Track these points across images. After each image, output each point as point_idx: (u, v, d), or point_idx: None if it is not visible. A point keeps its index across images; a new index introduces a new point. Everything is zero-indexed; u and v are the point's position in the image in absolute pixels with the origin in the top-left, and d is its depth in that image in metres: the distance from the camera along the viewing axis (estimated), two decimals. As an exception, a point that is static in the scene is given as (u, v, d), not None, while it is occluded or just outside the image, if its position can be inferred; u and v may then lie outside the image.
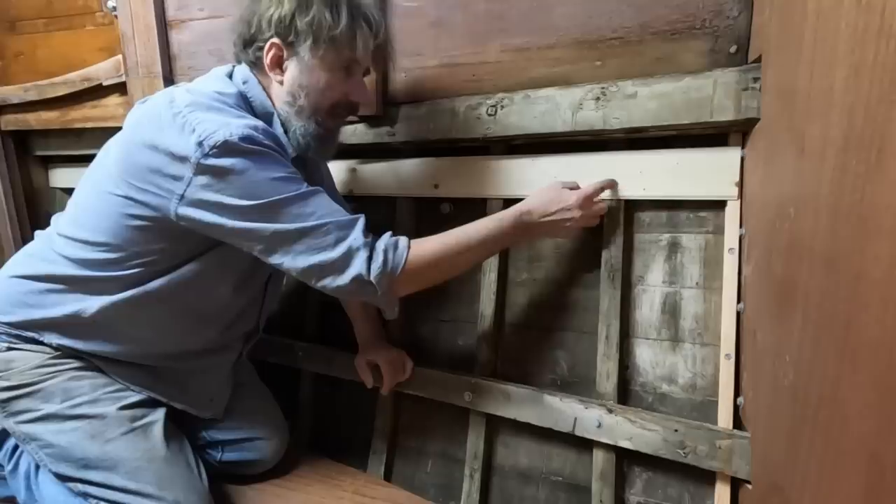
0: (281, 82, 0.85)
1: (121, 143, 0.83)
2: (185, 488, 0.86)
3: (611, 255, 0.94)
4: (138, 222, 0.81)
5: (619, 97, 0.88)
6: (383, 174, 1.14)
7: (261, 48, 0.84)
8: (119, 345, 0.88)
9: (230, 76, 0.88)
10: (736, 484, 0.83)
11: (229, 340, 1.01)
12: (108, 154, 0.86)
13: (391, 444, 1.15)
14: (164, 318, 0.89)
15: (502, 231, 0.85)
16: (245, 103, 0.85)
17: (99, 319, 0.85)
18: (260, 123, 0.80)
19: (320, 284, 0.80)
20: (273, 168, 0.76)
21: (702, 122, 0.83)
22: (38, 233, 0.95)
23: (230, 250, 0.82)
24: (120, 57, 1.34)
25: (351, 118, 1.00)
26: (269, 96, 0.87)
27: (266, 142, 0.77)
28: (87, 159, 1.69)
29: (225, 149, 0.73)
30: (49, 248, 0.88)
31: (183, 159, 0.74)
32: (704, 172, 0.86)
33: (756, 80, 0.78)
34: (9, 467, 0.93)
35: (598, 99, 0.90)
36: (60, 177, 1.71)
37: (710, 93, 0.82)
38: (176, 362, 0.95)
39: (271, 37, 0.82)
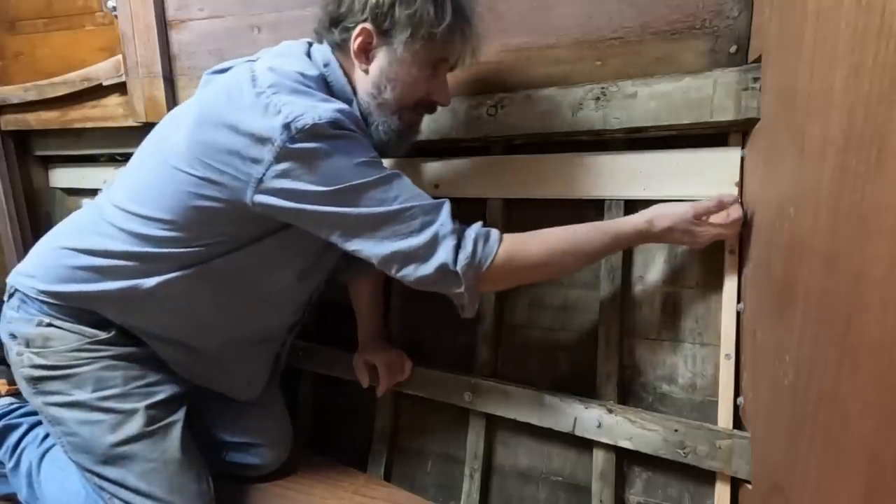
0: (366, 71, 0.80)
1: (195, 117, 0.78)
2: (194, 497, 0.86)
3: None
4: (209, 203, 0.77)
5: (619, 97, 0.88)
6: (383, 174, 1.14)
7: (349, 30, 0.78)
8: (171, 321, 0.87)
9: (308, 55, 0.82)
10: (736, 484, 0.83)
11: (278, 328, 1.00)
12: (178, 127, 0.80)
13: (391, 444, 1.15)
14: (222, 300, 0.87)
15: (618, 242, 0.79)
16: (325, 87, 0.80)
17: (157, 294, 0.83)
18: (345, 107, 0.75)
19: (401, 274, 0.75)
20: (358, 153, 0.73)
21: (702, 122, 0.83)
22: (86, 202, 0.93)
23: (298, 236, 0.79)
24: (120, 57, 1.34)
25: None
26: (349, 82, 0.82)
27: (351, 126, 0.74)
28: (87, 159, 1.69)
29: (312, 133, 0.69)
30: (103, 221, 0.84)
31: (265, 141, 0.70)
32: (704, 172, 0.86)
33: (756, 80, 0.78)
34: (10, 465, 0.93)
35: (598, 99, 0.90)
36: (60, 177, 1.71)
37: (710, 93, 0.82)
38: (224, 345, 0.94)
39: (364, 21, 0.77)
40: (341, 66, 0.82)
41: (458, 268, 0.73)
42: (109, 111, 1.42)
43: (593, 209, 0.95)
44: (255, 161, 0.71)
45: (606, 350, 0.93)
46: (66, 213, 1.53)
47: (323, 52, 0.82)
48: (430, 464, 1.13)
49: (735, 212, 0.79)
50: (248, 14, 1.21)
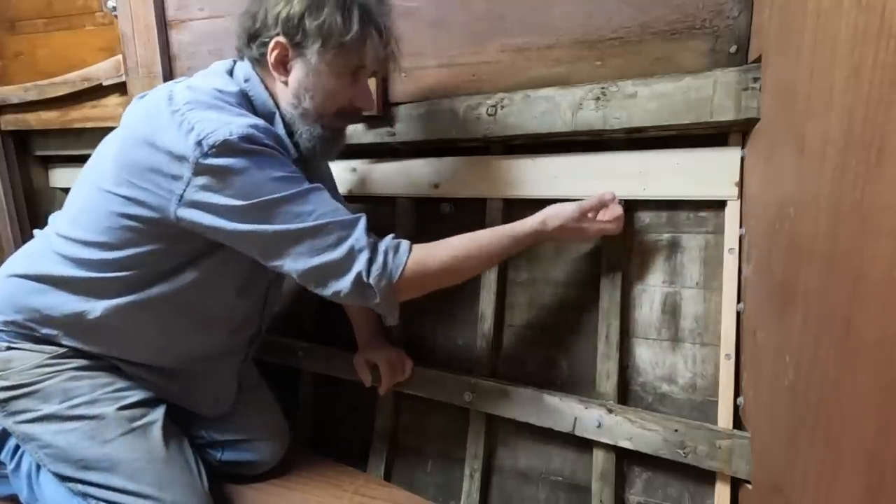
0: (285, 83, 0.83)
1: (119, 139, 0.81)
2: (185, 489, 0.86)
3: (611, 254, 0.94)
4: (135, 223, 0.79)
5: (619, 97, 0.88)
6: (383, 174, 1.14)
7: (265, 44, 0.81)
8: (125, 346, 0.88)
9: (231, 73, 0.86)
10: (736, 484, 0.83)
11: (234, 343, 1.01)
12: (106, 151, 0.84)
13: (391, 444, 1.15)
14: (169, 322, 0.88)
15: (517, 243, 0.84)
16: (246, 102, 0.83)
17: (104, 322, 0.84)
18: (261, 122, 0.78)
19: (320, 289, 0.78)
20: (273, 167, 0.75)
21: (702, 122, 0.83)
22: (37, 232, 0.94)
23: (231, 254, 0.81)
24: (120, 57, 1.34)
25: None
26: (271, 95, 0.85)
27: (266, 141, 0.76)
28: (86, 159, 1.68)
29: (224, 148, 0.72)
30: (48, 248, 0.87)
31: (181, 159, 0.72)
32: (704, 172, 0.86)
33: (756, 80, 0.78)
34: (11, 466, 0.93)
35: (598, 99, 0.90)
36: (60, 177, 1.71)
37: (710, 93, 0.82)
38: (183, 364, 0.94)
39: (277, 35, 0.80)
40: (262, 81, 0.85)
41: (371, 280, 0.76)
42: (109, 111, 1.42)
43: (593, 209, 0.95)
44: (175, 178, 0.74)
45: (606, 350, 0.93)
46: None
47: (244, 68, 0.85)
48: (430, 464, 1.13)
49: (615, 208, 0.86)
50: (248, 14, 1.21)
